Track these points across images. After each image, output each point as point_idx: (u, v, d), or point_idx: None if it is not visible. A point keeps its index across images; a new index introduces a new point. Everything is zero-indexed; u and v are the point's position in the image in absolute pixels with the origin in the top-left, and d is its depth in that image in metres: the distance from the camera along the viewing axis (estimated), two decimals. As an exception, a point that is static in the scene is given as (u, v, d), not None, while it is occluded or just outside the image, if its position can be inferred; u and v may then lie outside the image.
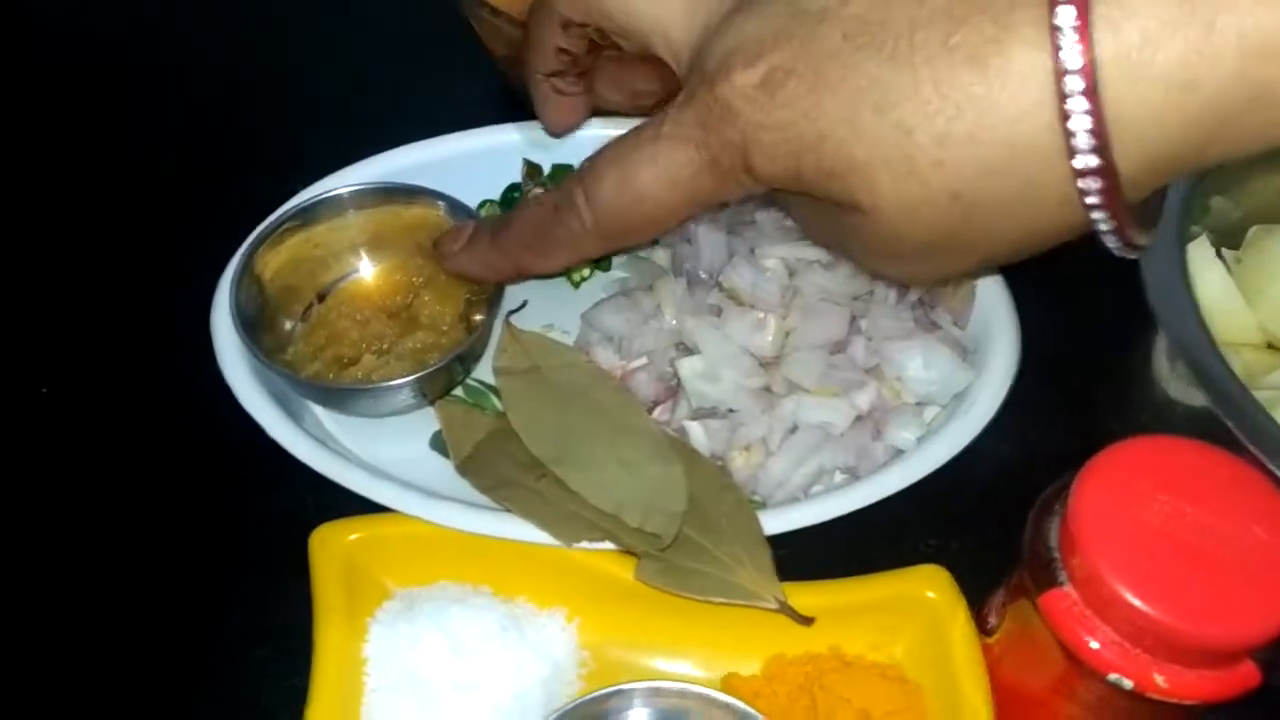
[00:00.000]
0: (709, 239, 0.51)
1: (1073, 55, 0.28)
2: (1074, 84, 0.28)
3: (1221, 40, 0.27)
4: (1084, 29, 0.27)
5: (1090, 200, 0.29)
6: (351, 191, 0.52)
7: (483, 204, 0.56)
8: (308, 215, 0.52)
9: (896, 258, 0.34)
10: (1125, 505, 0.36)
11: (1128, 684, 0.36)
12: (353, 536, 0.44)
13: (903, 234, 0.32)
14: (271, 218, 0.51)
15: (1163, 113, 0.28)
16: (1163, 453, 0.37)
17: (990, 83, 0.29)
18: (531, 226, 0.44)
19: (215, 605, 0.46)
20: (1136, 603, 0.34)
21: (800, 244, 0.50)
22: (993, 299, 0.51)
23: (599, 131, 0.54)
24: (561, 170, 0.57)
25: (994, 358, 0.49)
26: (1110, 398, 0.50)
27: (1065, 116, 0.28)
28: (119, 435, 0.51)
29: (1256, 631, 0.34)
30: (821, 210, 0.35)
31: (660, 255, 0.54)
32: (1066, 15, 0.27)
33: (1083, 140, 0.28)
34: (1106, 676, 0.36)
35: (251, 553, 0.48)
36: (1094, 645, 0.36)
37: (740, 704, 0.39)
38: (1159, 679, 0.35)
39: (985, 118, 0.29)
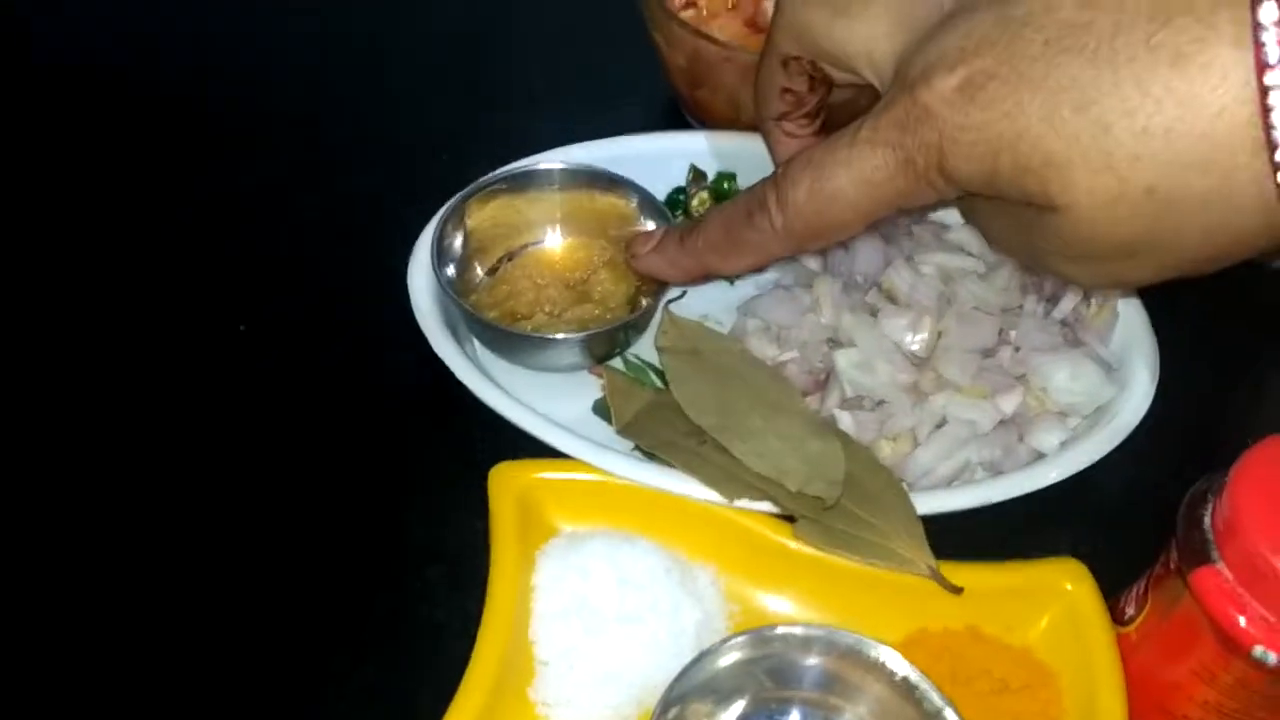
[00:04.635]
0: (866, 245, 0.55)
1: (1275, 50, 0.29)
2: (1275, 79, 0.29)
3: None
4: None
5: None
6: (559, 169, 0.57)
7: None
8: (516, 182, 0.57)
9: (1089, 259, 0.35)
10: (1280, 491, 0.38)
11: (1273, 658, 0.38)
12: (534, 475, 0.47)
13: (1097, 232, 0.33)
14: (486, 177, 0.56)
15: None
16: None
17: (1191, 79, 0.30)
18: (721, 228, 0.47)
19: (393, 531, 0.50)
20: (1292, 576, 0.36)
21: (957, 253, 0.53)
22: (1134, 322, 0.53)
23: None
24: (725, 177, 0.61)
25: (1136, 376, 0.51)
26: (1242, 421, 0.53)
27: (1267, 111, 0.29)
28: (312, 372, 0.55)
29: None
30: (1012, 213, 0.36)
31: (813, 262, 0.58)
32: (1269, 12, 0.29)
33: None
34: (1252, 650, 0.38)
35: (427, 485, 0.51)
36: (1242, 621, 0.38)
37: (896, 654, 0.41)
38: (1307, 654, 0.37)
39: (1185, 113, 0.30)
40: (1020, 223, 0.37)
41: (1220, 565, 0.39)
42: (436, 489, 0.51)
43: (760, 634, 0.41)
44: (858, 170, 0.39)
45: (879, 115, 0.38)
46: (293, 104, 0.69)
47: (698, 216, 0.50)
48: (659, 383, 0.54)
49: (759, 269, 0.57)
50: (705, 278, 0.52)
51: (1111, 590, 0.46)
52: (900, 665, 0.41)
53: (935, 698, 0.40)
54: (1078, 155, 0.32)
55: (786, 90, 0.48)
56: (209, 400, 0.54)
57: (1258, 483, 0.38)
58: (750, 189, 0.45)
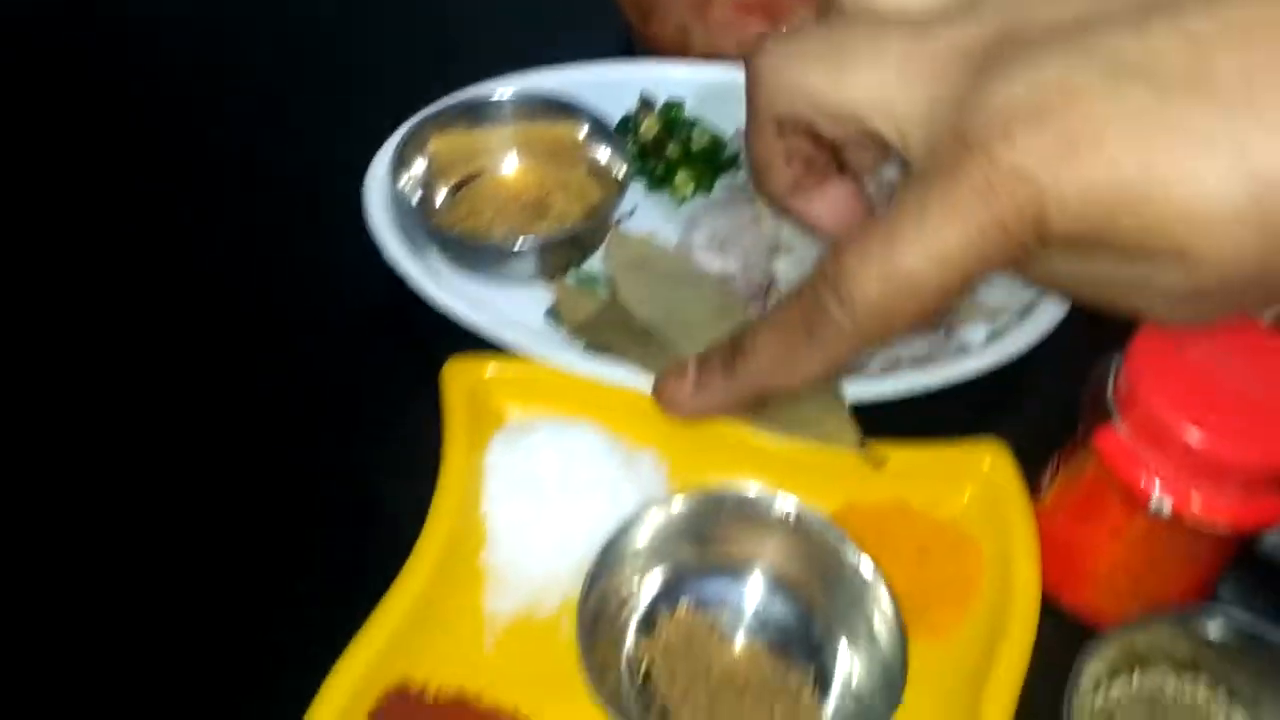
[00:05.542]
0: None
1: None
2: None
3: None
4: None
5: None
6: (511, 99, 0.60)
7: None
8: (471, 112, 0.60)
9: (1200, 300, 0.33)
10: (1175, 354, 0.41)
11: (1167, 506, 0.41)
12: (485, 369, 0.50)
13: (1225, 276, 0.31)
14: (442, 104, 0.59)
15: None
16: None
17: None
18: (777, 346, 0.41)
19: (350, 428, 0.53)
20: (1186, 428, 0.39)
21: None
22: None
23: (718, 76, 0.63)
24: (673, 105, 0.63)
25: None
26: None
27: None
28: (271, 286, 0.59)
29: (1283, 457, 0.39)
30: (1104, 263, 0.33)
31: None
32: None
33: None
34: (1150, 498, 0.41)
35: (385, 386, 0.54)
36: (1141, 477, 0.41)
37: (802, 504, 0.45)
38: (1196, 500, 0.40)
39: None
40: (1113, 272, 0.34)
41: (1119, 423, 0.42)
42: (395, 390, 0.54)
43: (670, 501, 0.45)
44: (936, 251, 0.34)
45: (949, 183, 0.33)
46: (239, 33, 0.72)
47: (731, 338, 0.44)
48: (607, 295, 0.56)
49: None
50: (766, 400, 0.46)
51: (1031, 470, 0.49)
52: (807, 514, 0.44)
53: (850, 548, 0.44)
54: (1229, 210, 0.29)
55: (793, 156, 0.42)
56: (159, 310, 0.57)
57: (1154, 354, 0.42)
58: (791, 295, 0.40)
